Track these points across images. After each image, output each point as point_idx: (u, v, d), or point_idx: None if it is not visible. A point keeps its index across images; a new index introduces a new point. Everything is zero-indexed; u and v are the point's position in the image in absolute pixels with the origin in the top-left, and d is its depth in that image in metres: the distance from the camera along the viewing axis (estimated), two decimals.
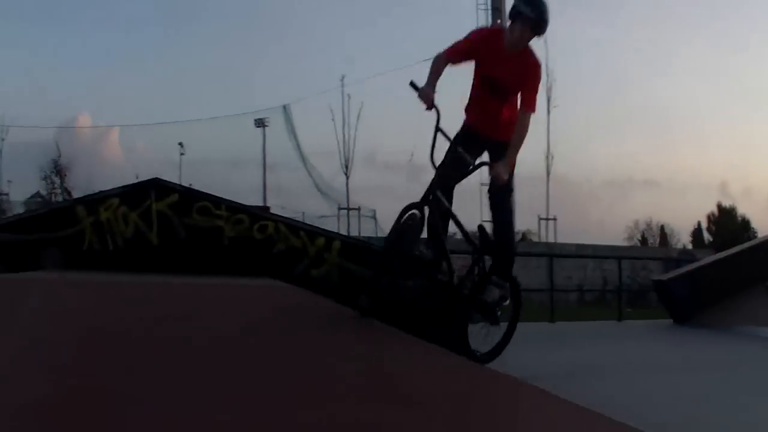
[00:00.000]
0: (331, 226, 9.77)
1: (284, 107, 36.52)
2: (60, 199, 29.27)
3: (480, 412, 2.68)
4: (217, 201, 7.14)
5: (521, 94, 4.11)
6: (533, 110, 4.04)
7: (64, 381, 2.72)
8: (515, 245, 4.24)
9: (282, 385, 2.75)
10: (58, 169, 32.38)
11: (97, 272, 6.31)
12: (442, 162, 4.11)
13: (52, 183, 32.75)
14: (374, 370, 3.20)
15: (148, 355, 3.16)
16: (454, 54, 4.13)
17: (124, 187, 7.42)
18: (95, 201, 7.16)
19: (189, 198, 7.06)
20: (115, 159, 44.43)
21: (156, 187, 7.04)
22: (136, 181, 8.08)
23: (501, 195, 4.30)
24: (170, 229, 6.93)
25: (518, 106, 4.15)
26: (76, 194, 27.91)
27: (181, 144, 36.36)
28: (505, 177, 3.89)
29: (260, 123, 36.12)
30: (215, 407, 2.38)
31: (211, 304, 4.69)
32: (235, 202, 7.48)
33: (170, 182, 7.34)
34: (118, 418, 2.25)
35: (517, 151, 3.98)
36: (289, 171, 37.62)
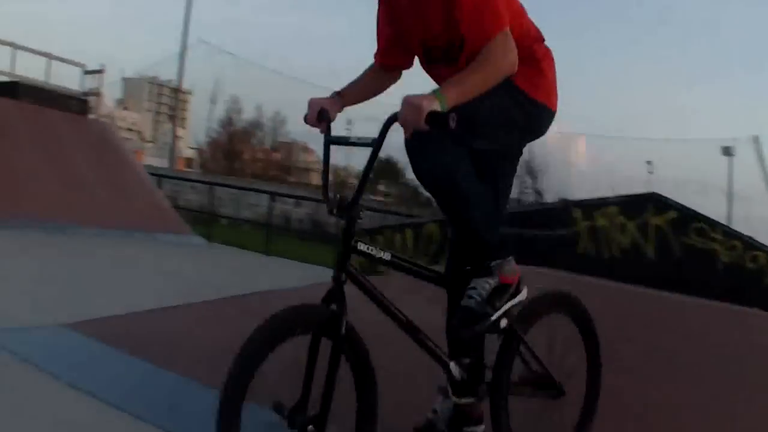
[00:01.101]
0: None
1: (755, 138, 34.78)
2: (531, 200, 31.06)
3: None
4: (713, 224, 7.01)
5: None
6: (500, 28, 1.94)
7: None
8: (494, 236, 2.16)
9: None
10: (530, 171, 33.84)
11: (590, 276, 6.74)
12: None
13: (524, 183, 34.24)
14: None
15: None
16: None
17: (622, 196, 7.76)
18: (591, 206, 7.62)
19: (686, 217, 7.06)
20: (582, 167, 45.04)
21: (654, 201, 7.19)
22: (633, 192, 8.35)
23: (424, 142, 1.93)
24: (666, 246, 7.01)
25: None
26: (547, 197, 29.58)
27: (649, 162, 36.02)
28: (422, 109, 1.76)
29: (727, 152, 34.94)
30: None
31: (716, 326, 4.60)
32: (729, 228, 7.28)
33: (668, 198, 7.43)
34: None
35: (474, 78, 1.93)
36: (755, 204, 33.94)
